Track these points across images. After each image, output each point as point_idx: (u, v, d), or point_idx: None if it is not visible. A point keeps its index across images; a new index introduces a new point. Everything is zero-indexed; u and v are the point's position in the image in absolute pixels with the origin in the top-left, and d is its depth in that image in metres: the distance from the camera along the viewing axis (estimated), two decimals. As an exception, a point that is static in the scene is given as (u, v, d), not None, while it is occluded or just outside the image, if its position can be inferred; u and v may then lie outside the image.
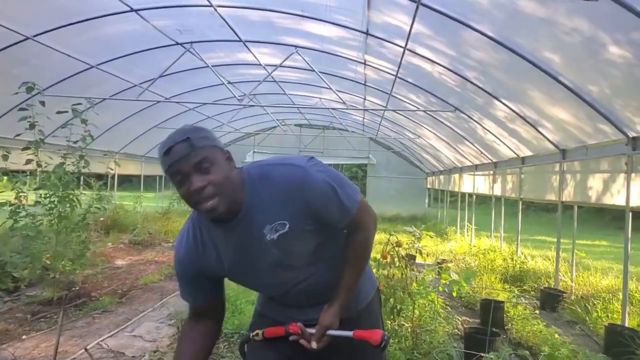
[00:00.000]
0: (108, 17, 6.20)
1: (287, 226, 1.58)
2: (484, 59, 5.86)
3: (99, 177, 9.47)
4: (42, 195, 5.79)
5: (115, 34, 7.04)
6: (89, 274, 7.12)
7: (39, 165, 5.71)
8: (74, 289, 6.29)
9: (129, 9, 5.98)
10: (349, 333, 1.70)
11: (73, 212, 6.00)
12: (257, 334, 1.80)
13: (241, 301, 5.69)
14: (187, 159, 1.45)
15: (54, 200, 5.74)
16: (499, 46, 5.08)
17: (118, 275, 7.60)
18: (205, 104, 11.02)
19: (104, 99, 8.24)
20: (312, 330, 1.71)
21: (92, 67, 7.60)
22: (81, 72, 7.61)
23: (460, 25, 5.04)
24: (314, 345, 1.67)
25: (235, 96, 9.07)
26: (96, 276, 7.19)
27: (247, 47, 7.48)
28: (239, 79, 10.18)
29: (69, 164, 5.91)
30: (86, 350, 3.23)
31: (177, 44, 7.50)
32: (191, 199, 1.48)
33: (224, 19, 6.07)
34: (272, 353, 1.81)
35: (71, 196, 5.84)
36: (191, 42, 7.45)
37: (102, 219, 9.58)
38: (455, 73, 6.60)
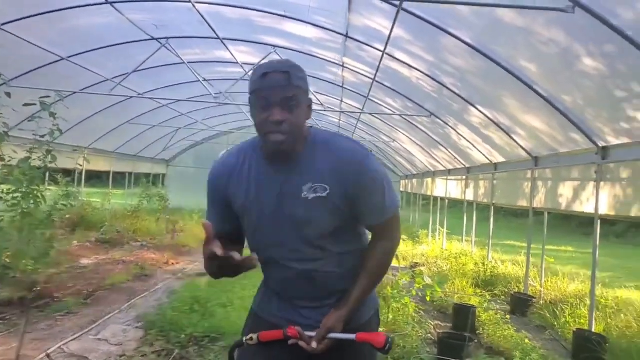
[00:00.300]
0: (81, 9, 6.00)
1: (327, 192, 1.59)
2: (462, 66, 5.91)
3: (67, 172, 9.18)
4: (5, 191, 5.55)
5: (89, 26, 6.83)
6: (53, 274, 6.85)
7: (2, 159, 5.47)
8: (36, 289, 6.04)
9: (103, 0, 5.81)
10: (352, 336, 1.63)
11: (38, 209, 5.76)
12: (251, 338, 1.69)
13: (212, 303, 5.60)
14: (280, 91, 1.49)
15: (18, 197, 5.50)
16: (476, 53, 5.13)
17: (84, 275, 7.36)
18: (179, 100, 10.83)
19: (74, 93, 7.99)
20: (311, 334, 1.63)
21: (63, 59, 7.35)
22: (51, 64, 7.36)
23: (440, 31, 5.06)
24: (314, 345, 1.59)
25: (210, 93, 8.95)
26: (60, 276, 6.93)
27: (224, 44, 7.37)
28: (215, 76, 10.03)
29: (34, 159, 5.68)
30: (48, 355, 3.09)
31: (153, 39, 7.33)
32: (265, 127, 1.51)
33: (202, 16, 5.96)
34: None
35: (36, 192, 5.61)
36: (167, 38, 7.30)
37: (68, 216, 9.29)
38: (433, 79, 6.65)
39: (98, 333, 4.91)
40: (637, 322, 5.54)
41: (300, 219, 1.61)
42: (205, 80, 9.45)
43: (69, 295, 6.05)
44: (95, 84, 8.67)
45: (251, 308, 1.90)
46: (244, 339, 1.72)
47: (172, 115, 13.14)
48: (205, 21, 6.15)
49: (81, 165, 8.88)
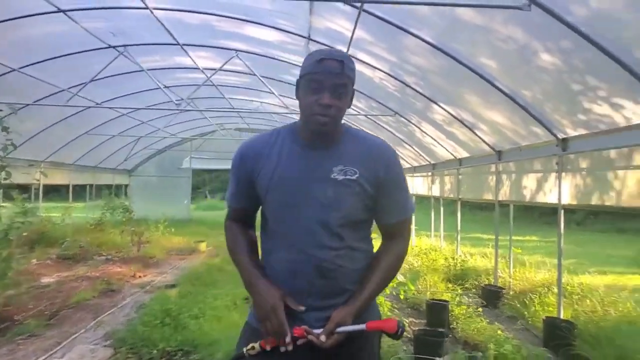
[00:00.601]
0: (32, 18, 5.77)
1: (357, 175, 1.66)
2: (424, 65, 5.98)
3: (23, 188, 8.82)
4: (-44, 212, 5.29)
5: (41, 35, 6.57)
6: (12, 295, 6.55)
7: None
8: (-6, 312, 5.77)
9: (55, 9, 5.59)
10: (362, 326, 1.61)
11: (-7, 229, 5.52)
12: (252, 347, 1.65)
13: (184, 315, 5.47)
14: (333, 77, 1.58)
15: (-29, 217, 5.25)
16: (438, 52, 5.20)
17: (46, 294, 7.05)
18: (139, 109, 10.58)
19: (28, 105, 7.69)
20: (318, 331, 1.60)
21: (14, 70, 7.06)
22: (0, 75, 7.06)
23: (401, 32, 5.10)
24: (322, 339, 1.57)
25: (172, 100, 8.76)
26: (21, 297, 6.61)
27: (185, 50, 7.23)
28: (176, 83, 9.84)
29: (-12, 176, 5.44)
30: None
31: (110, 47, 7.13)
32: (313, 109, 1.60)
33: (160, 22, 5.83)
34: None
35: (-9, 211, 5.37)
36: (125, 45, 7.11)
37: (25, 234, 8.91)
38: (396, 78, 6.70)
39: (64, 355, 4.70)
40: (601, 306, 5.74)
41: (327, 200, 1.65)
42: (166, 87, 9.25)
43: (30, 317, 5.77)
44: (50, 95, 8.37)
45: (247, 321, 1.84)
46: (245, 349, 1.66)
47: (132, 124, 12.83)
48: (164, 27, 6.02)
49: (38, 180, 8.56)
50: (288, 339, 1.59)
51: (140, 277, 8.57)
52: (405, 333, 5.40)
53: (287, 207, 1.68)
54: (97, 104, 9.49)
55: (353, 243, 1.70)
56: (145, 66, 7.71)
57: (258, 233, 1.89)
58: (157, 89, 8.76)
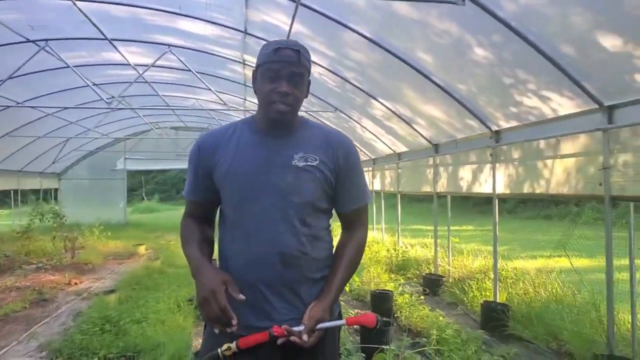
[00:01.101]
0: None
1: (317, 162, 1.68)
2: (362, 60, 6.05)
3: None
4: None
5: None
6: None
7: None
8: None
9: (-33, 0, 5.19)
10: (342, 321, 1.62)
11: None
12: (228, 348, 1.58)
13: (125, 321, 5.25)
14: (290, 66, 1.61)
15: None
16: (375, 46, 5.28)
17: (-29, 307, 6.57)
18: (66, 108, 10.01)
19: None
20: (299, 328, 1.57)
21: None
22: None
23: (339, 26, 5.13)
24: (305, 338, 1.55)
25: (102, 99, 8.34)
26: (-59, 313, 6.13)
27: (113, 45, 6.91)
28: (106, 80, 9.39)
29: None
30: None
31: (29, 41, 6.65)
32: (271, 97, 1.62)
33: (85, 15, 5.52)
34: None
35: None
36: (46, 40, 6.67)
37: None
38: (335, 74, 6.75)
39: (-6, 370, 4.40)
40: (533, 288, 6.06)
41: (288, 186, 1.65)
42: (95, 84, 8.81)
43: (-47, 333, 5.37)
44: (-38, 94, 7.76)
45: (206, 325, 1.76)
46: (220, 350, 1.58)
47: (59, 125, 12.14)
48: (90, 20, 5.71)
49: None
50: (234, 322, 1.55)
51: (75, 284, 8.15)
52: (351, 325, 5.49)
53: (247, 196, 1.66)
54: (18, 103, 8.88)
55: (314, 232, 1.70)
56: (71, 62, 7.30)
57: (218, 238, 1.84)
58: (85, 86, 8.30)
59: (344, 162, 1.73)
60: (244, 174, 1.67)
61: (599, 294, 4.89)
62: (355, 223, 1.82)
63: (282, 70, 1.61)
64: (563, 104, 4.38)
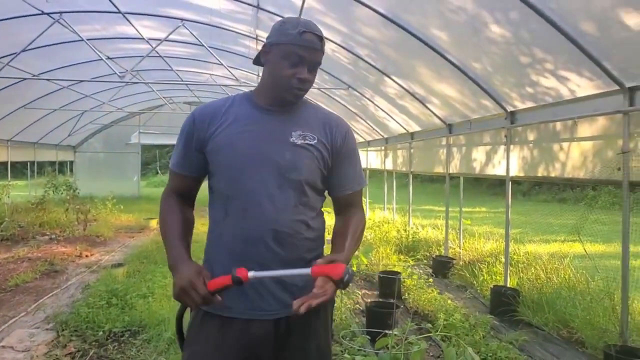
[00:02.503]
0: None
1: (315, 141, 1.66)
2: (376, 37, 5.90)
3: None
4: None
5: (-38, -1, 6.05)
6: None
7: None
8: None
9: (-23, -30, 5.14)
10: (307, 270, 1.48)
11: None
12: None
13: (131, 295, 5.30)
14: (314, 53, 1.59)
15: None
16: (389, 23, 5.12)
17: (-18, 277, 6.69)
18: (82, 81, 10.01)
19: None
20: (267, 274, 1.50)
21: None
22: None
23: (352, 1, 4.98)
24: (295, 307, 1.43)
25: (115, 72, 8.31)
26: (-46, 282, 6.25)
27: (127, 19, 6.84)
28: (119, 54, 9.35)
29: None
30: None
31: (44, 13, 6.63)
32: (291, 82, 1.59)
33: (98, -14, 5.46)
34: None
35: None
36: (60, 12, 6.64)
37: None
38: (348, 50, 6.60)
39: (1, 340, 4.46)
40: (545, 273, 5.96)
41: (285, 162, 1.62)
42: (109, 58, 8.79)
43: (-35, 303, 5.46)
44: (-23, 65, 7.77)
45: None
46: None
47: (75, 98, 12.17)
48: (103, -8, 5.66)
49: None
50: (219, 298, 1.50)
51: (86, 256, 8.25)
52: (357, 305, 5.47)
53: (243, 170, 1.61)
54: (34, 75, 8.90)
55: (309, 211, 1.68)
56: (85, 35, 7.26)
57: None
58: (98, 60, 8.27)
59: (342, 144, 1.71)
60: (241, 147, 1.62)
61: (614, 281, 4.78)
62: (351, 208, 1.79)
63: (307, 57, 1.58)
64: (582, 85, 4.21)
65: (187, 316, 1.72)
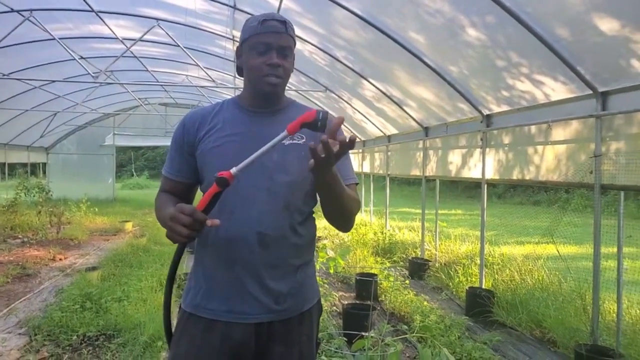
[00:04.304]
0: None
1: (304, 140, 1.63)
2: (353, 38, 5.91)
3: None
4: None
5: None
6: None
7: None
8: None
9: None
10: (284, 133, 1.39)
11: None
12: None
13: (106, 299, 5.19)
14: (279, 37, 1.57)
15: None
16: (367, 25, 5.14)
17: (-50, 282, 6.47)
18: (54, 81, 9.80)
19: None
20: (247, 161, 1.41)
21: None
22: None
23: (330, 3, 4.98)
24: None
25: (89, 73, 8.15)
26: None
27: (100, 18, 6.72)
28: (93, 53, 9.17)
29: None
30: None
31: (13, 10, 6.46)
32: (262, 70, 1.57)
33: (70, -16, 5.35)
34: None
35: None
36: (31, 10, 6.49)
37: None
38: (325, 52, 6.60)
39: (-30, 347, 4.32)
40: (519, 275, 6.05)
41: (272, 164, 1.59)
42: (82, 58, 8.62)
43: None
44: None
45: (181, 308, 1.68)
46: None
47: (47, 98, 11.92)
48: (76, -10, 5.54)
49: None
50: (209, 222, 1.42)
51: (60, 260, 8.07)
52: (334, 307, 5.46)
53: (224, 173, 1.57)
54: (4, 75, 8.67)
55: (298, 215, 1.64)
56: (57, 34, 7.11)
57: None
58: (71, 59, 8.12)
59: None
60: (228, 150, 1.60)
61: (585, 282, 4.87)
62: None
63: (272, 42, 1.57)
64: (556, 89, 4.29)
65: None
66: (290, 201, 1.61)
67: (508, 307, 5.17)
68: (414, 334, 3.75)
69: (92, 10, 6.32)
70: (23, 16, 6.48)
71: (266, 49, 1.57)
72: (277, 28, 1.57)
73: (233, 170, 1.41)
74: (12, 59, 8.48)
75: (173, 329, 1.69)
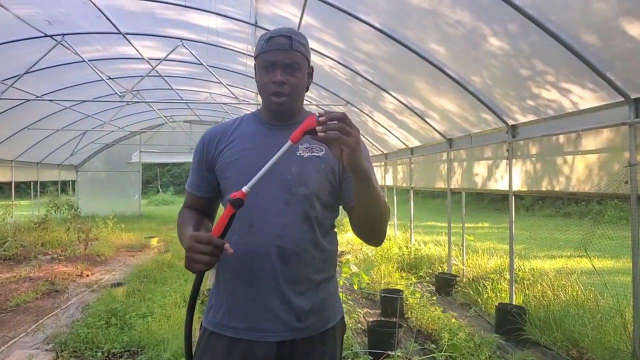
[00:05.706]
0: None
1: (323, 152, 1.61)
2: (373, 52, 5.88)
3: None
4: None
5: (-35, 23, 6.09)
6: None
7: None
8: None
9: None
10: (288, 143, 1.38)
11: None
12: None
13: (130, 315, 5.21)
14: (284, 54, 1.55)
15: None
16: (387, 38, 5.10)
17: (-18, 298, 6.62)
18: (83, 101, 10.08)
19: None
20: (258, 175, 1.38)
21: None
22: None
23: (349, 17, 4.97)
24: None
25: (116, 92, 8.33)
26: (-46, 302, 6.19)
27: (127, 39, 6.88)
28: (120, 74, 9.41)
29: None
30: None
31: (46, 36, 6.69)
32: (268, 88, 1.58)
33: (99, 9, 5.51)
34: None
35: None
36: (63, 34, 6.71)
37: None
38: (346, 66, 6.59)
39: (-1, 362, 4.38)
40: (551, 290, 5.84)
41: (291, 176, 1.58)
42: (109, 78, 8.84)
43: (-37, 324, 5.39)
44: (-19, 87, 7.82)
45: (202, 326, 1.66)
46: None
47: (77, 118, 12.28)
48: (104, 15, 5.71)
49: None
50: (227, 246, 1.39)
51: (87, 275, 8.19)
52: (359, 325, 5.35)
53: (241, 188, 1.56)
54: (37, 96, 8.95)
55: (318, 227, 1.60)
56: (86, 56, 7.31)
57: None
58: (99, 80, 8.34)
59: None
60: (247, 164, 1.59)
61: (624, 298, 4.65)
62: None
63: (276, 60, 1.55)
64: (585, 97, 4.16)
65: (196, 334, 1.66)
66: (309, 214, 1.58)
67: (541, 325, 4.95)
68: (442, 353, 3.62)
69: (119, 32, 6.48)
70: (55, 40, 6.69)
71: (271, 66, 1.57)
72: (282, 45, 1.55)
73: (244, 188, 1.39)
74: (45, 81, 8.76)
75: (194, 349, 1.65)
